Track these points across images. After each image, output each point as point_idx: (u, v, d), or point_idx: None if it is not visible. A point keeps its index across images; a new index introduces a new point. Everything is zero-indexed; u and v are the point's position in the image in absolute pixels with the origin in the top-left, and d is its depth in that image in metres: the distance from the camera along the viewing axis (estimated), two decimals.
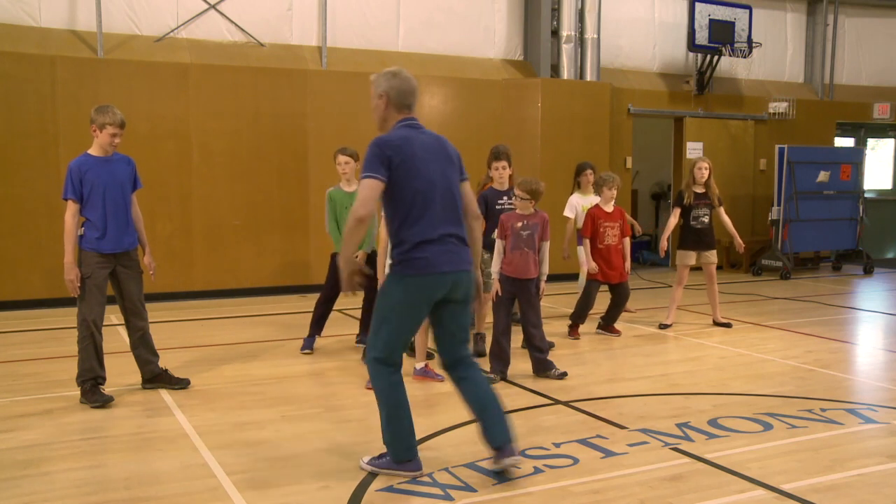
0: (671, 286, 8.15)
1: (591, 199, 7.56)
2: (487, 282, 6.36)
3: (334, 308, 6.70)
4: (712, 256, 7.65)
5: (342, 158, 6.54)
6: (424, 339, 5.63)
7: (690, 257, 7.63)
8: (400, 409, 3.77)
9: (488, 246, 6.31)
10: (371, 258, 6.26)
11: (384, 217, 3.81)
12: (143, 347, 5.39)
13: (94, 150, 5.13)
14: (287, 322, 7.95)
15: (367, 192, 3.59)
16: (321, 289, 6.71)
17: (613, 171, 8.51)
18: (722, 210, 7.74)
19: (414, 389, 5.45)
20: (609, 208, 7.12)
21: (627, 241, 7.25)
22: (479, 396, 3.86)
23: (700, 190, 7.58)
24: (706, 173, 7.55)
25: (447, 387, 5.47)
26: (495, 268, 5.77)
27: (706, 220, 7.58)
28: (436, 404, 5.13)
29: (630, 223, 8.61)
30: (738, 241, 7.87)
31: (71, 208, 5.02)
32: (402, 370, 3.81)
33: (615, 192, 7.12)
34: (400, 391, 3.78)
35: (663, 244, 7.72)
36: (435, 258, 3.63)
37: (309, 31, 10.19)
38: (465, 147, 8.98)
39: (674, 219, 7.77)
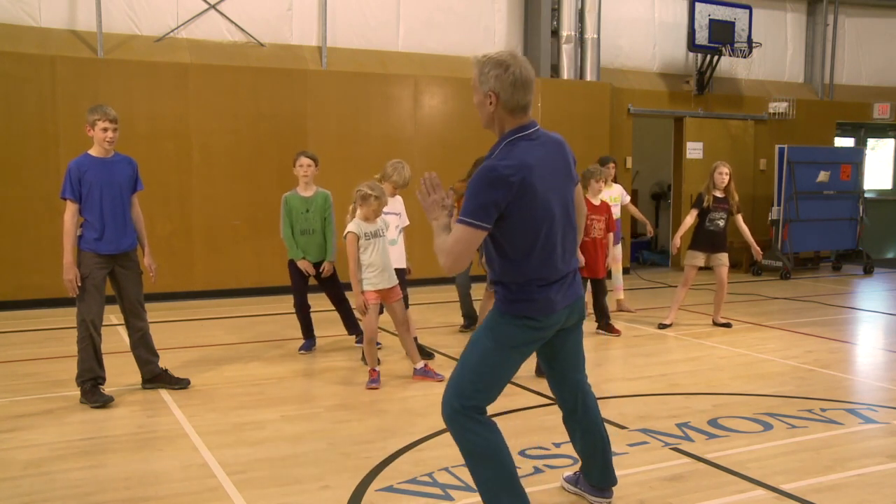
0: (672, 286, 8.15)
1: (613, 192, 8.11)
2: None
3: (332, 308, 6.70)
4: (723, 258, 7.64)
5: (304, 161, 6.44)
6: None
7: (699, 258, 7.63)
8: (513, 473, 3.13)
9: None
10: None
11: (485, 246, 3.14)
12: (142, 347, 5.39)
13: (94, 151, 5.13)
14: (287, 322, 7.94)
15: (463, 245, 2.94)
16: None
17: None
18: (740, 217, 7.75)
19: (413, 390, 5.47)
20: (596, 201, 7.14)
21: (612, 235, 7.34)
22: (591, 442, 3.46)
23: (720, 195, 7.59)
24: (726, 178, 7.57)
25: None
26: None
27: (721, 223, 7.58)
28: (435, 404, 5.11)
29: (642, 222, 8.81)
30: (756, 248, 7.89)
31: (70, 208, 5.02)
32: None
33: (602, 185, 7.24)
34: (505, 447, 3.12)
35: (676, 241, 7.73)
36: (555, 296, 3.11)
37: (309, 31, 10.19)
38: (465, 147, 9.03)
39: (690, 219, 7.77)
